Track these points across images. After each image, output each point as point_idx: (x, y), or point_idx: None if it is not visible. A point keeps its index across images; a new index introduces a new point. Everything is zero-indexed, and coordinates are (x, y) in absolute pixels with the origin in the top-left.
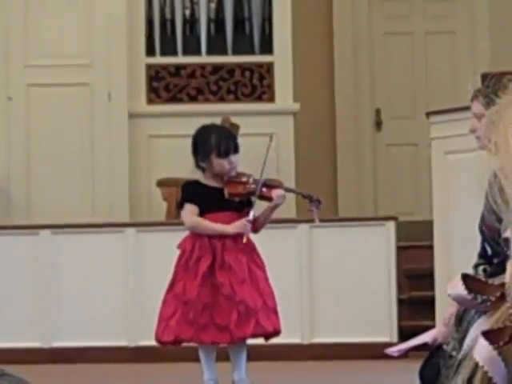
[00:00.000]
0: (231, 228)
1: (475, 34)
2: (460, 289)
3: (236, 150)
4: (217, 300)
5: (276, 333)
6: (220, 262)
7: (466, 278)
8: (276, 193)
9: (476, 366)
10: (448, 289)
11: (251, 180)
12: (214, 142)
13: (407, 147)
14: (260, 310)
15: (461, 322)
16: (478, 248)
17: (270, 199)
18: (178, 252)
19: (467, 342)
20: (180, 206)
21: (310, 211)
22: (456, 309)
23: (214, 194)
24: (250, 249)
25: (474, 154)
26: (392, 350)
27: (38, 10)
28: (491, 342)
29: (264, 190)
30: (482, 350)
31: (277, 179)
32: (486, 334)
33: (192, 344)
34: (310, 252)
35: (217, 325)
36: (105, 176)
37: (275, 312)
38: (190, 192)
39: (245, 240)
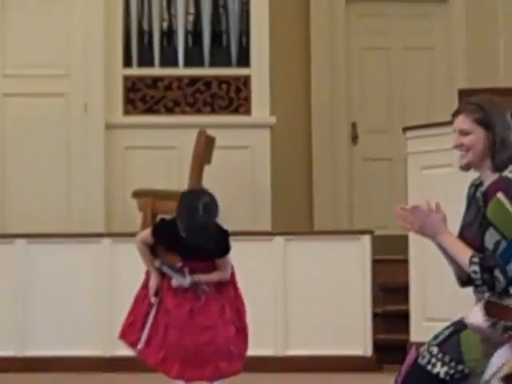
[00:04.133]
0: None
1: (452, 50)
2: (479, 319)
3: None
4: (192, 342)
5: (234, 374)
6: (195, 306)
7: (487, 303)
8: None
9: None
10: (466, 317)
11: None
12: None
13: (383, 161)
14: (222, 355)
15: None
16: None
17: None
18: None
19: (491, 366)
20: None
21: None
22: None
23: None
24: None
25: (449, 169)
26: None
27: (15, 20)
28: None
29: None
30: None
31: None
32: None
33: None
34: (285, 265)
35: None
36: (81, 186)
37: (238, 356)
38: (162, 236)
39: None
